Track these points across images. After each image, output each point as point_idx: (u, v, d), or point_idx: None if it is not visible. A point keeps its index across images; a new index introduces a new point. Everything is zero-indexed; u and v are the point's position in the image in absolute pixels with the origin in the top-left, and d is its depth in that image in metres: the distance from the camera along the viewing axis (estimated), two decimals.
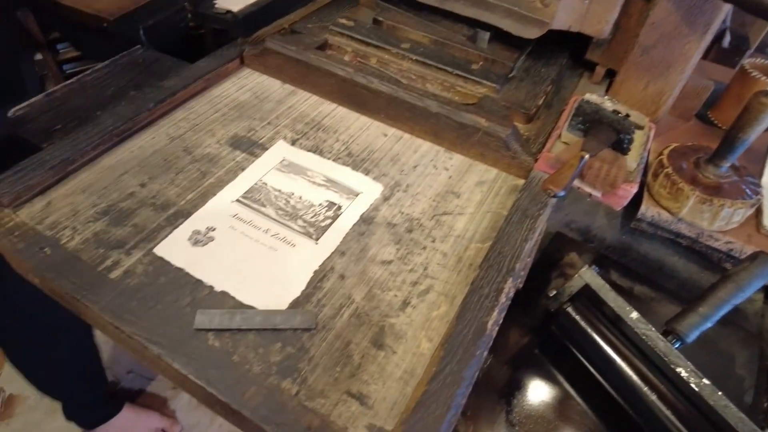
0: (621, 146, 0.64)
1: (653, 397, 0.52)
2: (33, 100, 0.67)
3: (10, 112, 0.65)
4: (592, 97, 0.69)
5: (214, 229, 0.54)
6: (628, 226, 0.74)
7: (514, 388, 0.59)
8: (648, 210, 0.69)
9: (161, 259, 0.51)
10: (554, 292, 0.62)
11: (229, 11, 0.80)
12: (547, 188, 0.53)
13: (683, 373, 0.51)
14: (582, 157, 0.56)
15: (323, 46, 0.77)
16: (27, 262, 0.50)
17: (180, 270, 0.50)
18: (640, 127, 0.67)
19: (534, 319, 0.66)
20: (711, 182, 0.66)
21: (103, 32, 0.82)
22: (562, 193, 0.53)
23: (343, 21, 0.79)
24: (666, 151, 0.71)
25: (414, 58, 0.74)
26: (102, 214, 0.55)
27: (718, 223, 0.65)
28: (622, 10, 0.72)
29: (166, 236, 0.53)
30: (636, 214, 0.70)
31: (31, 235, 0.52)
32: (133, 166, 0.61)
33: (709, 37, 0.69)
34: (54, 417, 1.32)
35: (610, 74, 0.81)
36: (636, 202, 0.69)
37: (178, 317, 0.46)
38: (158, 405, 1.35)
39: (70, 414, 1.21)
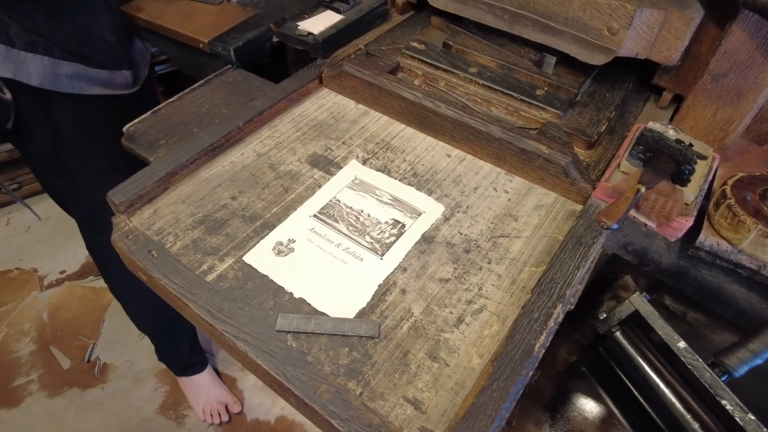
0: (681, 177, 0.65)
1: (696, 426, 0.54)
2: (142, 117, 0.77)
3: (125, 128, 0.76)
4: (655, 125, 0.71)
5: (294, 241, 0.62)
6: (686, 252, 0.75)
7: (559, 402, 0.63)
8: (707, 239, 0.70)
9: (249, 266, 0.59)
10: (604, 315, 0.64)
11: (310, 33, 0.87)
12: (601, 220, 0.56)
13: (728, 407, 0.53)
14: (638, 191, 0.59)
15: (395, 70, 0.83)
16: (138, 263, 0.60)
17: (265, 277, 0.58)
18: (703, 158, 0.68)
19: (583, 337, 0.69)
20: None
21: (198, 51, 0.91)
22: (615, 226, 0.56)
23: (415, 44, 0.84)
24: (730, 181, 0.71)
25: (481, 82, 0.78)
26: (199, 223, 0.64)
27: None
28: (693, 36, 0.73)
29: (254, 246, 0.61)
30: (695, 241, 0.71)
31: (142, 239, 0.62)
32: (226, 180, 0.69)
33: None
34: (140, 386, 1.48)
35: (678, 99, 0.81)
36: (696, 228, 0.70)
37: (263, 318, 0.54)
38: (227, 384, 1.48)
39: (161, 356, 1.39)
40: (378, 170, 0.72)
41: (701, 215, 0.72)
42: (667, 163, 0.65)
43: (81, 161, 0.98)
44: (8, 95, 0.85)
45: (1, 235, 1.90)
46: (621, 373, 0.61)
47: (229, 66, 0.88)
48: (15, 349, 1.56)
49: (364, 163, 0.73)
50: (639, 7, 0.69)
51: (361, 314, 0.55)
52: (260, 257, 0.60)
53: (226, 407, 1.40)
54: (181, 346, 1.37)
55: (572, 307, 0.64)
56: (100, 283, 1.72)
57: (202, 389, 1.40)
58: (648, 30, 0.72)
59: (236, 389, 1.48)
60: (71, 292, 1.72)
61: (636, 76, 0.84)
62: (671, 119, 0.81)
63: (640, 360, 0.59)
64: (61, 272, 1.78)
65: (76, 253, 1.82)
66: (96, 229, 1.10)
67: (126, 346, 1.56)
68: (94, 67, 0.92)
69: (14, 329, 1.61)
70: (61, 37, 0.87)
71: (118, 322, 1.51)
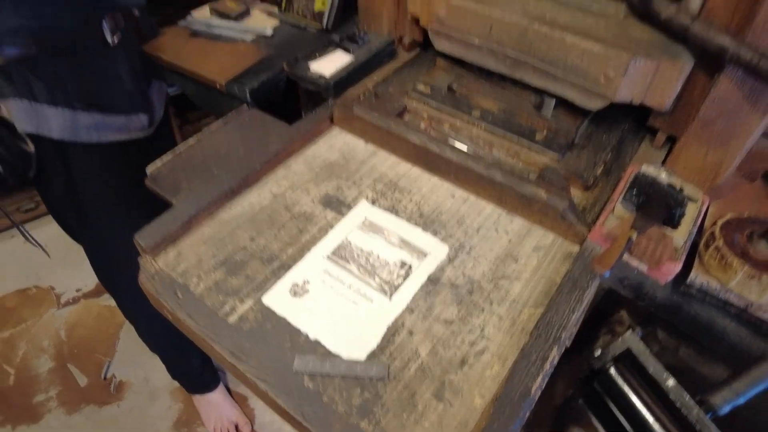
0: (672, 220, 0.69)
1: None
2: (164, 159, 0.82)
3: (149, 169, 0.81)
4: (649, 169, 0.75)
5: (309, 283, 0.66)
6: (679, 288, 0.79)
7: None
8: (697, 277, 0.73)
9: (267, 308, 0.63)
10: (599, 351, 0.68)
11: (321, 76, 0.92)
12: (594, 268, 0.60)
13: None
14: (630, 238, 0.63)
15: (402, 112, 0.87)
16: (165, 303, 0.64)
17: (282, 318, 0.62)
18: (694, 201, 0.72)
19: (581, 372, 0.73)
20: (762, 257, 0.70)
21: (216, 90, 0.97)
22: (607, 274, 0.60)
23: (421, 88, 0.88)
24: (720, 222, 0.75)
25: (483, 126, 0.82)
26: (221, 264, 0.69)
27: (767, 297, 0.69)
28: (684, 83, 0.77)
29: (271, 287, 0.66)
30: (687, 278, 0.75)
31: (168, 280, 0.66)
32: (245, 221, 0.74)
33: None
34: (154, 403, 1.52)
35: (672, 139, 0.85)
36: (688, 265, 0.74)
37: (281, 359, 0.58)
38: (239, 401, 1.52)
39: (173, 375, 1.44)
40: (386, 210, 0.76)
41: (693, 252, 0.76)
42: (658, 209, 0.69)
43: (96, 204, 1.03)
44: (31, 147, 0.90)
45: (19, 252, 1.96)
46: (615, 409, 0.65)
47: (245, 105, 0.93)
48: (34, 366, 1.61)
49: (373, 203, 0.77)
50: (633, 56, 0.73)
51: (372, 356, 0.59)
52: (277, 298, 0.64)
53: (237, 427, 1.45)
54: (191, 365, 1.42)
55: (569, 345, 0.67)
56: None
57: (214, 408, 1.44)
58: (642, 78, 0.76)
59: (247, 407, 1.52)
60: (87, 310, 1.77)
61: (632, 117, 0.88)
62: (666, 157, 0.85)
63: (632, 396, 0.63)
64: (77, 290, 1.84)
65: (92, 271, 1.87)
66: (107, 260, 1.16)
67: (141, 363, 1.61)
68: (111, 114, 0.96)
69: (33, 346, 1.66)
70: (81, 88, 0.92)
71: (133, 340, 1.55)
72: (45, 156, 0.94)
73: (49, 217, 2.03)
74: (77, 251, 1.96)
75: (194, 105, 2.21)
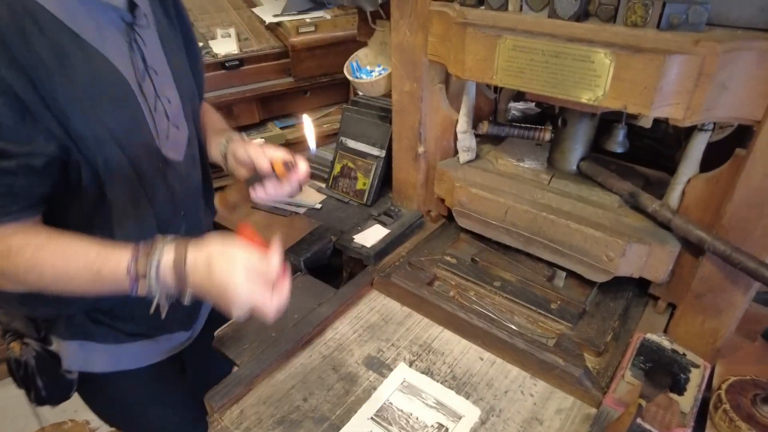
0: (678, 385, 0.78)
1: None
2: (230, 323, 0.96)
3: (217, 333, 0.94)
4: (653, 337, 0.86)
5: None
6: None
7: None
8: None
9: None
10: None
11: (363, 246, 1.08)
12: None
13: None
14: (639, 405, 0.72)
15: (432, 281, 1.01)
16: None
17: None
18: (696, 366, 0.81)
19: None
20: (767, 422, 0.77)
21: None
22: None
23: (449, 259, 1.03)
24: (724, 386, 0.83)
25: (504, 295, 0.96)
26: (278, 424, 0.78)
27: None
28: (676, 261, 0.90)
29: None
30: None
31: None
32: (298, 381, 0.85)
33: (752, 293, 0.84)
34: None
35: (672, 304, 0.97)
36: (703, 420, 0.80)
37: None
38: None
39: None
40: (423, 372, 0.86)
41: (705, 408, 0.83)
42: (664, 374, 0.78)
43: (140, 410, 1.04)
44: (75, 375, 0.91)
45: None
46: None
47: (299, 273, 1.08)
48: None
49: (410, 365, 0.88)
50: (629, 241, 0.88)
51: None
52: None
53: None
54: None
55: None
56: None
57: None
58: (638, 258, 0.90)
59: None
60: None
61: (635, 284, 1.00)
62: (668, 322, 0.96)
63: None
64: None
65: None
66: None
67: None
68: (156, 337, 0.97)
69: None
70: (132, 323, 0.91)
71: None
72: (86, 378, 0.93)
73: None
74: None
75: None
